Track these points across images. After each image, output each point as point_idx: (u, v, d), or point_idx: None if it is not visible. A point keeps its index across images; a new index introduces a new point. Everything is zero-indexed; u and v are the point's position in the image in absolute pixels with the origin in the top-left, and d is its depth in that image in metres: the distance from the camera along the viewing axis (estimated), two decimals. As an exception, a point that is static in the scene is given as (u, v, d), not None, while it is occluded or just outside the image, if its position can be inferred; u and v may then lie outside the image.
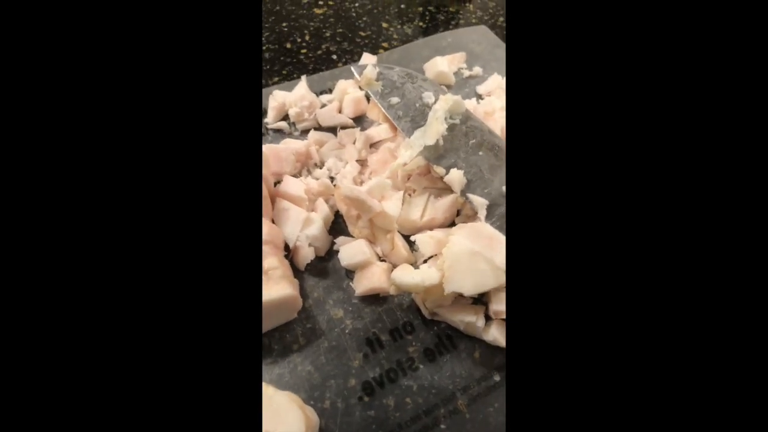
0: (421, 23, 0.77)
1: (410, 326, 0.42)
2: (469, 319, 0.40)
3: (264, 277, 0.38)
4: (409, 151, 0.46)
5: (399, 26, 0.75)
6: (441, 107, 0.47)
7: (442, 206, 0.46)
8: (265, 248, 0.40)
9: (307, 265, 0.44)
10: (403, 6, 0.80)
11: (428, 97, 0.50)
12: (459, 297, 0.41)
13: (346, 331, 0.41)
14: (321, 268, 0.45)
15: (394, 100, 0.50)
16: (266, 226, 0.41)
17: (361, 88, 0.56)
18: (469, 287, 0.38)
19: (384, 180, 0.44)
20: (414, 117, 0.49)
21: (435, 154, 0.46)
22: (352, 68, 0.52)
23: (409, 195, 0.48)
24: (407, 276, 0.39)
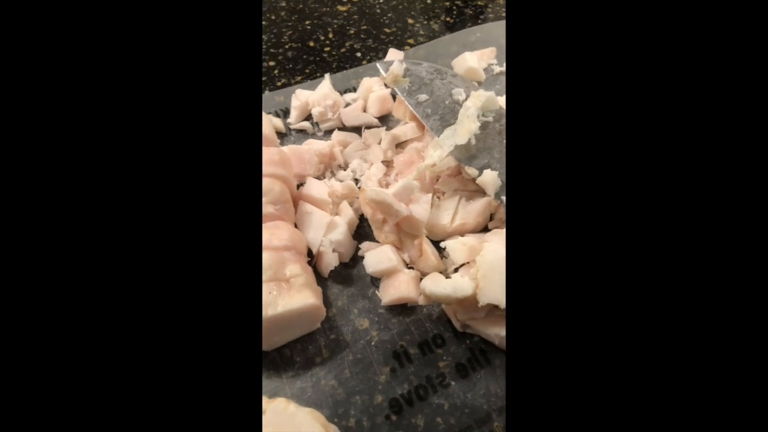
0: (448, 18, 0.74)
1: (440, 339, 0.39)
2: (504, 333, 0.36)
3: (286, 285, 0.36)
4: (438, 150, 0.44)
5: (425, 22, 0.72)
6: (473, 104, 0.44)
7: (474, 210, 0.43)
8: (286, 254, 0.37)
9: (331, 271, 0.42)
10: (429, 1, 0.77)
11: (458, 93, 0.47)
12: (493, 308, 0.38)
13: (372, 343, 0.38)
14: (345, 275, 0.43)
15: (423, 97, 0.47)
16: (288, 231, 0.39)
17: (386, 85, 0.54)
18: (505, 299, 0.35)
19: (411, 182, 0.42)
20: (443, 115, 0.46)
21: (466, 154, 0.43)
22: (378, 65, 0.50)
23: (438, 198, 0.45)
24: (438, 286, 0.36)
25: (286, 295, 0.35)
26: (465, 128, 0.43)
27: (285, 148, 0.47)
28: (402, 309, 0.40)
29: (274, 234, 0.37)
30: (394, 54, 0.57)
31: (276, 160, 0.41)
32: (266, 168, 0.40)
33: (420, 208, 0.41)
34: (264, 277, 0.35)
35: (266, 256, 0.36)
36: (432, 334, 0.39)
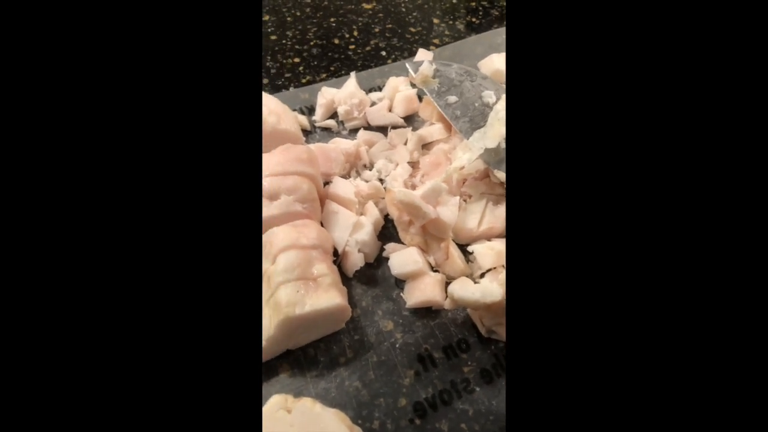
0: (473, 19, 0.73)
1: (465, 344, 0.38)
2: (531, 341, 0.36)
3: (313, 284, 0.36)
4: (467, 153, 0.43)
5: (450, 22, 0.72)
6: (503, 107, 0.44)
7: (502, 214, 0.42)
8: (314, 253, 0.37)
9: (356, 272, 0.42)
10: (454, 1, 0.77)
11: (488, 96, 0.47)
12: (521, 315, 0.37)
13: (396, 345, 0.38)
14: (370, 276, 0.42)
15: (452, 98, 0.47)
16: (316, 230, 0.39)
17: (413, 84, 0.53)
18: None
19: (440, 184, 0.41)
20: (473, 117, 0.46)
21: (496, 158, 0.43)
22: (407, 64, 0.50)
23: (465, 201, 0.45)
24: (466, 291, 0.36)
25: (314, 294, 0.35)
26: (495, 131, 0.43)
27: (312, 146, 0.46)
28: (426, 312, 0.40)
29: (302, 233, 0.37)
30: (423, 54, 0.57)
31: (304, 158, 0.41)
32: (294, 166, 0.40)
33: (447, 211, 0.41)
34: (292, 275, 0.35)
35: (294, 255, 0.36)
36: (456, 338, 0.39)
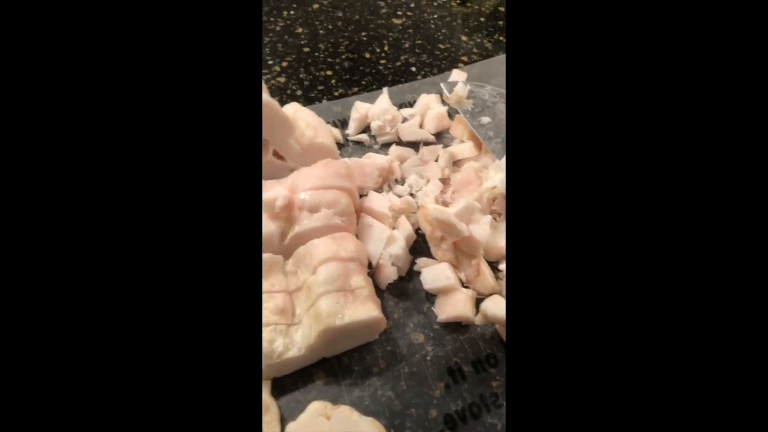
0: (500, 37, 0.74)
1: (493, 359, 0.40)
2: (560, 359, 0.37)
3: (351, 296, 0.37)
4: (499, 174, 0.45)
5: (478, 40, 0.74)
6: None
7: (532, 234, 0.43)
8: (351, 265, 0.39)
9: (388, 284, 0.43)
10: (482, 19, 0.78)
11: (521, 118, 0.48)
12: (549, 334, 0.39)
13: (427, 357, 0.40)
14: (401, 289, 0.44)
15: (485, 119, 0.48)
16: (354, 243, 0.40)
17: (444, 102, 0.55)
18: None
19: (473, 203, 0.43)
20: (505, 138, 0.47)
21: (527, 179, 0.44)
22: (442, 85, 0.51)
23: (495, 219, 0.46)
24: (499, 309, 0.37)
25: (352, 306, 0.37)
26: (528, 154, 0.44)
27: (348, 161, 0.48)
28: (456, 326, 0.41)
29: (341, 245, 0.39)
30: (457, 75, 0.58)
31: (343, 173, 0.43)
32: (334, 180, 0.42)
33: (480, 229, 0.42)
34: (332, 287, 0.37)
35: (334, 267, 0.38)
36: (485, 353, 0.40)
